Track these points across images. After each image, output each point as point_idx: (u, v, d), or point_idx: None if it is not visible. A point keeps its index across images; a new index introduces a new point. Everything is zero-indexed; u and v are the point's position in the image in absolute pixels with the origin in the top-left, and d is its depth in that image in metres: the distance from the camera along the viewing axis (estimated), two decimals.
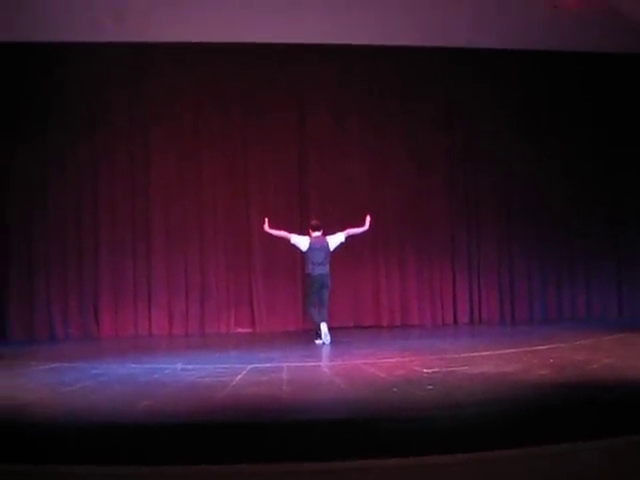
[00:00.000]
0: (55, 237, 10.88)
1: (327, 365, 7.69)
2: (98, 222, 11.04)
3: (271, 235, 9.51)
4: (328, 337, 8.99)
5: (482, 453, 4.12)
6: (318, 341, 9.09)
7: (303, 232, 9.68)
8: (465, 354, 7.42)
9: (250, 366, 6.89)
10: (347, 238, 9.43)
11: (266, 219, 9.42)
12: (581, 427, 4.36)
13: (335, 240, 9.35)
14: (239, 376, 6.28)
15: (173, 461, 4.02)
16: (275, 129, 11.48)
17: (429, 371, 6.24)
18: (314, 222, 9.52)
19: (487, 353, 7.43)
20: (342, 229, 9.48)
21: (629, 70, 11.69)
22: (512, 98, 11.81)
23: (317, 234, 9.35)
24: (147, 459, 4.03)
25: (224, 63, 11.26)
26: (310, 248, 9.26)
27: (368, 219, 9.44)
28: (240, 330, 11.27)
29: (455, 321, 11.73)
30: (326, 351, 8.63)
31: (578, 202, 11.91)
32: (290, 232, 9.49)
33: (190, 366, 7.05)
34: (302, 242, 9.35)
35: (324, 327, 9.04)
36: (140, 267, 11.11)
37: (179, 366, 7.08)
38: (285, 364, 7.13)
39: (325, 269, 9.21)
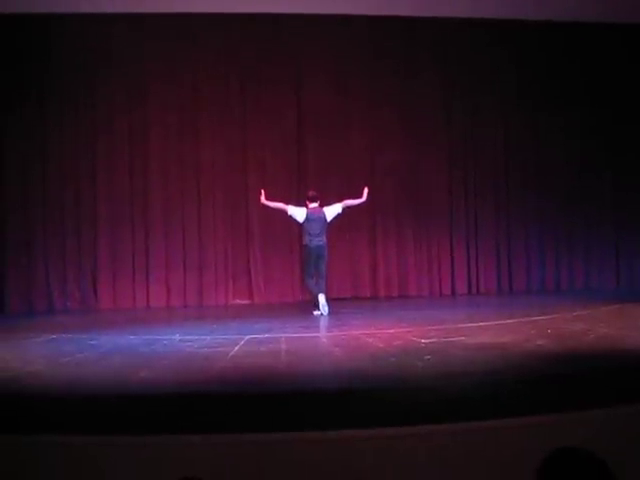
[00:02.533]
0: (54, 209, 10.84)
1: (325, 336, 7.70)
2: (97, 194, 10.97)
3: (268, 207, 9.48)
4: (326, 308, 8.98)
5: (480, 422, 4.14)
6: (316, 312, 9.08)
7: (300, 204, 9.62)
8: (463, 324, 7.43)
9: (248, 337, 6.89)
10: (344, 209, 9.37)
11: (262, 191, 9.38)
12: (578, 397, 4.37)
13: (332, 211, 9.30)
14: (237, 347, 6.28)
15: (172, 430, 4.03)
16: (274, 101, 11.36)
17: (427, 341, 6.25)
18: (311, 193, 9.45)
19: (485, 324, 7.44)
20: (339, 200, 9.44)
21: (628, 39, 11.56)
22: (511, 68, 11.69)
23: (314, 205, 9.30)
24: (145, 429, 4.05)
25: (222, 34, 11.13)
26: (307, 219, 9.21)
27: (366, 190, 9.37)
28: (238, 302, 11.28)
29: (453, 292, 11.72)
30: (324, 322, 8.63)
31: (577, 172, 11.85)
32: (287, 204, 9.45)
33: (188, 337, 7.06)
34: (299, 213, 9.30)
35: (322, 298, 9.02)
36: (138, 238, 11.07)
37: (177, 337, 7.09)
38: (283, 335, 7.14)
39: (322, 240, 9.17)
